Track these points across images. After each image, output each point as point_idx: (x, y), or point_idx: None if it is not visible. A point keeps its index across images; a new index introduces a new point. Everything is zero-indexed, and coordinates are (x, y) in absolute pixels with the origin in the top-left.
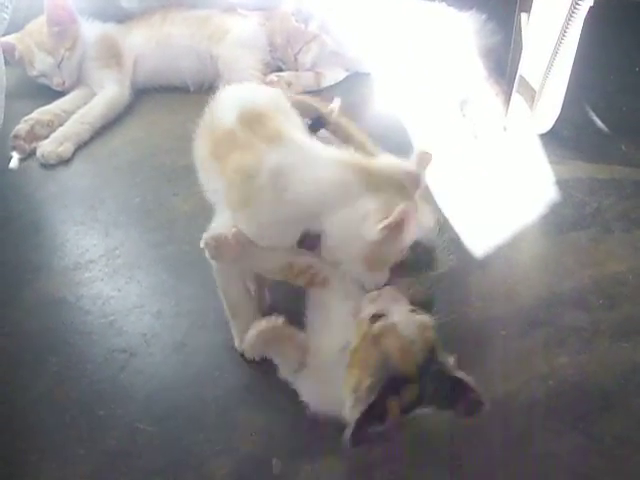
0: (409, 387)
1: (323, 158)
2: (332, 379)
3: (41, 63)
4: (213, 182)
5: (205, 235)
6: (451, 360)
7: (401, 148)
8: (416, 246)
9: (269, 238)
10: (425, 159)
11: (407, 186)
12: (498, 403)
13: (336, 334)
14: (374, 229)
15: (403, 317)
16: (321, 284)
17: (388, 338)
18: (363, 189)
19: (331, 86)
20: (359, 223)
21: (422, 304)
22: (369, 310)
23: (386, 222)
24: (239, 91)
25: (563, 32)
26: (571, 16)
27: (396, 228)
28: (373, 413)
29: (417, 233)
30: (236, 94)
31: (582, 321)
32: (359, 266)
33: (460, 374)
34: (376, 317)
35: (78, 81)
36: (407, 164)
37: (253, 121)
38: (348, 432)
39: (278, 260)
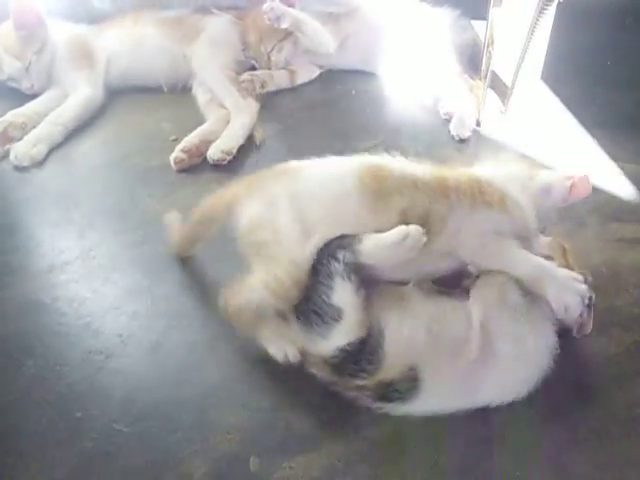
0: None
1: None
2: None
3: (9, 67)
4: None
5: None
6: None
7: (378, 144)
8: None
9: None
10: None
11: None
12: None
13: None
14: None
15: None
16: None
17: None
18: None
19: (305, 84)
20: None
21: None
22: None
23: None
24: None
25: (533, 27)
26: (540, 11)
27: None
28: None
29: None
30: None
31: None
32: None
33: None
34: None
35: (50, 83)
36: None
37: None
38: None
39: None
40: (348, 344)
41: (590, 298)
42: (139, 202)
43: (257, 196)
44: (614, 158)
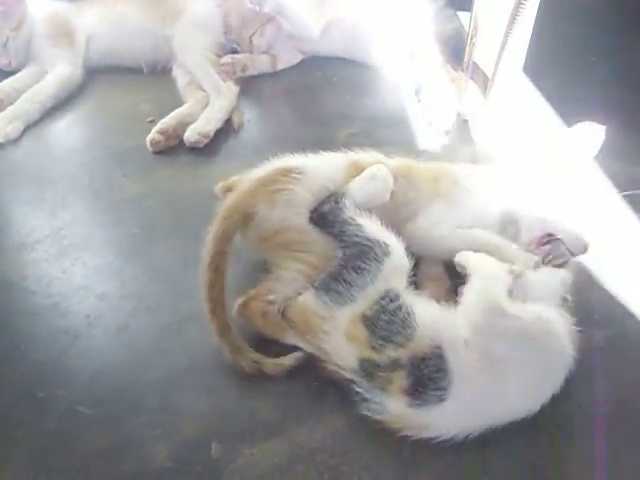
0: None
1: None
2: None
3: None
4: None
5: None
6: None
7: (358, 132)
8: None
9: None
10: None
11: None
12: None
13: None
14: None
15: None
16: None
17: None
18: None
19: (287, 69)
20: None
21: None
22: None
23: None
24: None
25: (512, 19)
26: (520, 3)
27: None
28: None
29: None
30: None
31: None
32: None
33: None
34: None
35: (28, 60)
36: None
37: None
38: None
39: None
40: (386, 294)
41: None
42: (114, 182)
43: (271, 199)
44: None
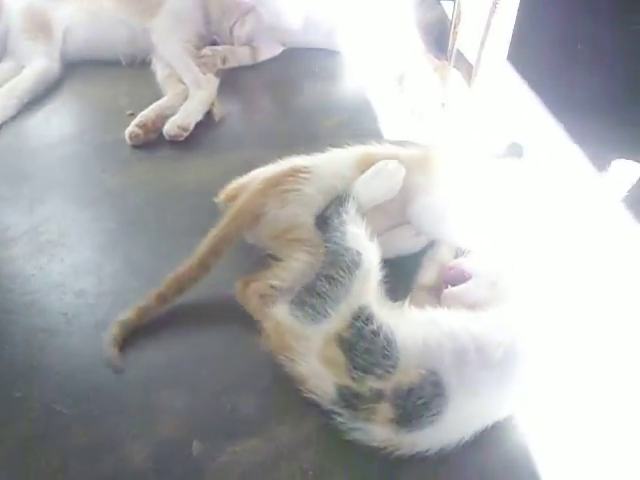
0: None
1: None
2: None
3: None
4: None
5: None
6: None
7: (340, 123)
8: None
9: None
10: None
11: None
12: None
13: None
14: None
15: None
16: None
17: None
18: None
19: (267, 61)
20: None
21: None
22: None
23: None
24: None
25: (494, 6)
26: None
27: None
28: None
29: None
30: None
31: None
32: None
33: None
34: None
35: (4, 54)
36: None
37: None
38: None
39: None
40: (360, 313)
41: None
42: (92, 178)
43: (281, 199)
44: (578, 142)
